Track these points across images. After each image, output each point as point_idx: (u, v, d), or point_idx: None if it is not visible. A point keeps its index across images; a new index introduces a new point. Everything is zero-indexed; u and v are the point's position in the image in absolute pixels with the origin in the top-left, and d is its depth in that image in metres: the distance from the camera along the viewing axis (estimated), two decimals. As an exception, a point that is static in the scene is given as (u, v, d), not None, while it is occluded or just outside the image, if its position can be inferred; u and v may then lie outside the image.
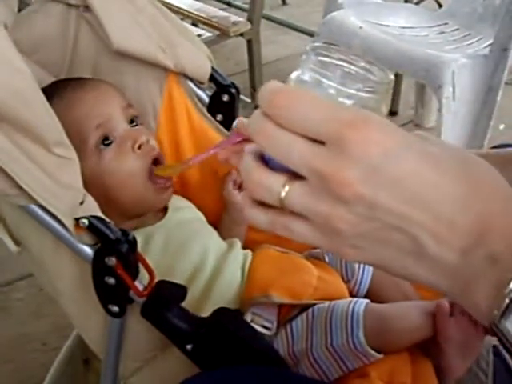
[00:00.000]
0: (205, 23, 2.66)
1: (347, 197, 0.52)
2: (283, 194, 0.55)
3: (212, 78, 1.26)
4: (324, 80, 0.57)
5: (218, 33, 2.62)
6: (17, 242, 1.02)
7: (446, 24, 2.61)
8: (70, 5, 1.20)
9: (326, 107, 0.54)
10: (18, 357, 1.85)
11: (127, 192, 1.12)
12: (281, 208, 0.57)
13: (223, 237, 1.24)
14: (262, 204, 0.58)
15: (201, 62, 1.25)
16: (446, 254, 0.54)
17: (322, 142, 0.53)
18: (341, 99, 0.56)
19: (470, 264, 0.54)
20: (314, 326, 1.03)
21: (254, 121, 0.56)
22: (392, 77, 0.59)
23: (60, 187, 0.90)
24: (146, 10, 1.21)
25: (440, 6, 3.25)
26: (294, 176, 0.55)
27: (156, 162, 1.16)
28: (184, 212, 1.25)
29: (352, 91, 0.56)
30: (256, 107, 1.79)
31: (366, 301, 1.03)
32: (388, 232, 0.54)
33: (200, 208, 1.30)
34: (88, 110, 1.12)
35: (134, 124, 1.18)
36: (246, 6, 2.99)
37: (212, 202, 1.31)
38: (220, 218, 1.30)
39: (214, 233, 1.24)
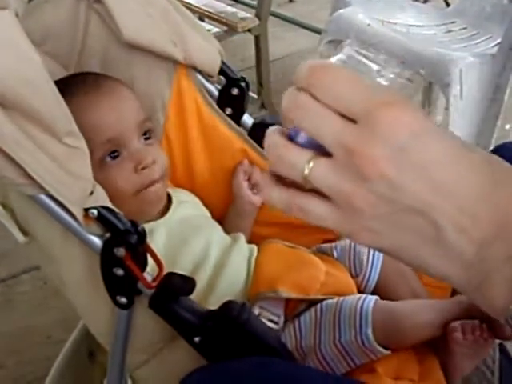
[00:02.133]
0: (212, 18, 2.65)
1: (371, 174, 0.52)
2: (307, 170, 0.55)
3: (222, 72, 1.26)
4: (366, 61, 0.58)
5: (225, 28, 2.62)
6: (24, 233, 1.02)
7: (453, 23, 2.61)
8: (80, -4, 1.20)
9: (362, 86, 0.54)
10: (23, 350, 1.85)
11: (118, 205, 1.01)
12: (300, 188, 0.56)
13: (228, 231, 1.24)
14: (283, 184, 0.58)
15: (211, 56, 1.25)
16: (464, 244, 0.53)
17: (354, 122, 0.53)
18: (379, 81, 0.57)
19: (486, 257, 0.53)
20: (323, 322, 1.03)
21: (287, 95, 0.56)
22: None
23: (70, 177, 0.90)
24: (158, 3, 1.21)
25: (448, 4, 3.25)
26: (320, 154, 0.55)
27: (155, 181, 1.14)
28: (188, 207, 1.25)
29: (391, 75, 0.57)
30: (263, 104, 1.81)
31: (375, 297, 1.03)
32: (407, 216, 0.54)
33: (206, 203, 1.30)
34: (101, 119, 1.10)
35: (147, 136, 1.17)
36: (253, 3, 2.98)
37: (218, 197, 1.32)
38: (226, 212, 1.31)
39: (218, 227, 1.24)
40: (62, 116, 0.91)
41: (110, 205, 0.92)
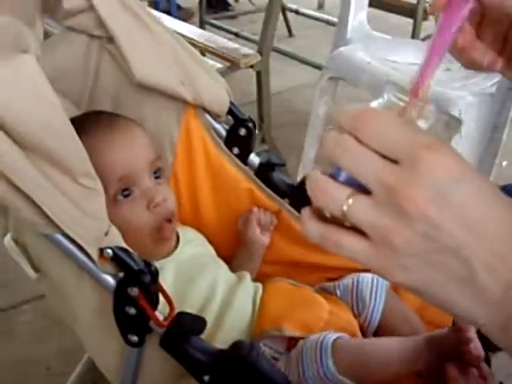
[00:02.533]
0: (215, 54, 2.66)
1: (412, 212, 0.54)
2: (346, 207, 0.57)
3: (230, 112, 1.28)
4: (404, 106, 0.60)
5: (228, 64, 2.63)
6: (36, 269, 1.03)
7: (452, 61, 2.63)
8: (92, 36, 1.22)
9: (405, 129, 0.56)
10: (22, 381, 1.84)
11: (131, 242, 1.02)
12: (338, 223, 0.58)
13: (235, 271, 1.25)
14: (323, 220, 0.60)
15: (219, 96, 1.27)
16: (494, 285, 0.54)
17: (394, 162, 0.55)
18: (419, 124, 0.59)
19: None
20: (292, 360, 1.04)
21: (330, 136, 0.58)
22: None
23: (86, 217, 0.92)
24: (167, 42, 1.23)
25: (446, 42, 3.26)
26: (360, 192, 0.57)
27: (167, 219, 1.16)
28: (194, 245, 1.26)
29: (430, 120, 0.59)
30: (263, 139, 1.82)
31: (338, 334, 1.04)
32: (442, 255, 0.55)
33: (211, 240, 1.31)
34: (114, 158, 1.12)
35: (157, 175, 1.18)
36: (255, 38, 3.00)
37: (224, 235, 1.33)
38: (232, 252, 1.32)
39: (224, 266, 1.25)
40: (78, 157, 0.93)
41: (124, 245, 0.94)
